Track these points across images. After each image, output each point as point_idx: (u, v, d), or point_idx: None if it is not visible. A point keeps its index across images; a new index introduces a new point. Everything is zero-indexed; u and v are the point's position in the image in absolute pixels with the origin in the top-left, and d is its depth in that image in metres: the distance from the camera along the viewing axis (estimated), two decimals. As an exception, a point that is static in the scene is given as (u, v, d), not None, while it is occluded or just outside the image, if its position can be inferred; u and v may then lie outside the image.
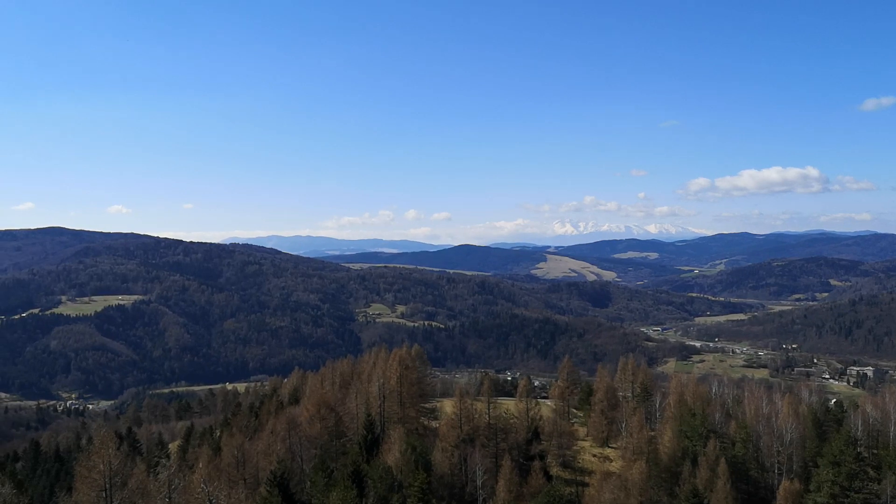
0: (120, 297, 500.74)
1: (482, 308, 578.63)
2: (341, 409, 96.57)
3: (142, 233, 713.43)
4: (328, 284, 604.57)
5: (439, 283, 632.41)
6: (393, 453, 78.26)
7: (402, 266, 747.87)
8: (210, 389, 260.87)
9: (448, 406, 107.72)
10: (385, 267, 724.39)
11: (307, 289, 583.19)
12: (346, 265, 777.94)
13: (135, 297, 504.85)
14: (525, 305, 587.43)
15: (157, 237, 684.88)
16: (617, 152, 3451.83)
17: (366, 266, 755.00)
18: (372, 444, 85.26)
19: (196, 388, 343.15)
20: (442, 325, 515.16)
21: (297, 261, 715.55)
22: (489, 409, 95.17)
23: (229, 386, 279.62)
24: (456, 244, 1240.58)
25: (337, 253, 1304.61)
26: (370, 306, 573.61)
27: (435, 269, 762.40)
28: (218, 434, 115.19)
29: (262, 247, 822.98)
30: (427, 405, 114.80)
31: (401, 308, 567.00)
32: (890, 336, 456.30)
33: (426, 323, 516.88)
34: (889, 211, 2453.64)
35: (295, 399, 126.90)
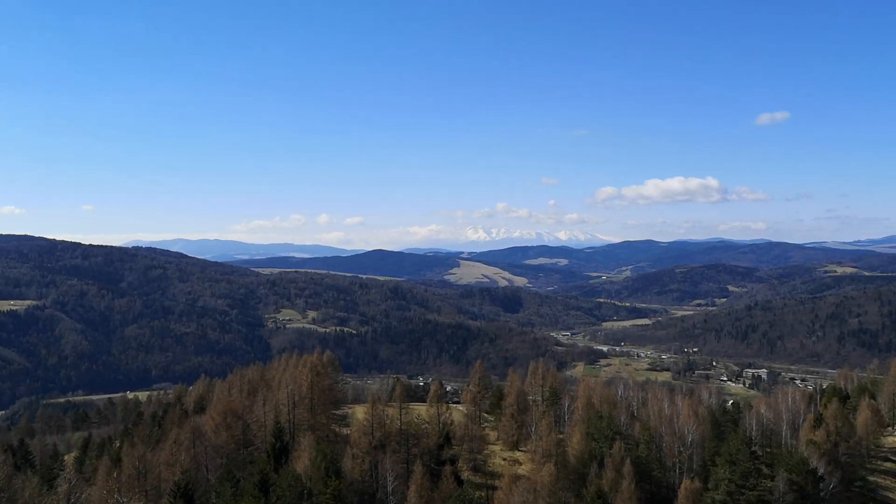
0: (12, 303, 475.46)
1: (395, 313, 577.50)
2: (249, 417, 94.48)
3: (36, 235, 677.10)
4: (237, 289, 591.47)
5: (352, 289, 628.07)
6: (303, 461, 77.05)
7: (313, 271, 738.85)
8: (110, 398, 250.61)
9: (360, 412, 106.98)
10: (296, 272, 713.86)
11: (214, 294, 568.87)
12: (256, 270, 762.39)
13: (28, 302, 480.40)
14: (438, 311, 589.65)
15: (54, 239, 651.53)
16: (528, 160, 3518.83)
17: (276, 271, 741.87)
18: (281, 452, 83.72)
19: (95, 398, 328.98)
20: (354, 331, 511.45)
21: (205, 265, 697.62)
22: (401, 415, 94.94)
23: (130, 395, 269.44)
24: (369, 249, 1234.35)
25: (246, 257, 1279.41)
26: (280, 312, 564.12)
27: (348, 275, 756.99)
28: (118, 445, 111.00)
29: (168, 250, 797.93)
30: (338, 412, 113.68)
31: (312, 314, 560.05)
32: (783, 339, 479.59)
33: (338, 329, 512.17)
34: (782, 220, 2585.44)
35: (201, 407, 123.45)
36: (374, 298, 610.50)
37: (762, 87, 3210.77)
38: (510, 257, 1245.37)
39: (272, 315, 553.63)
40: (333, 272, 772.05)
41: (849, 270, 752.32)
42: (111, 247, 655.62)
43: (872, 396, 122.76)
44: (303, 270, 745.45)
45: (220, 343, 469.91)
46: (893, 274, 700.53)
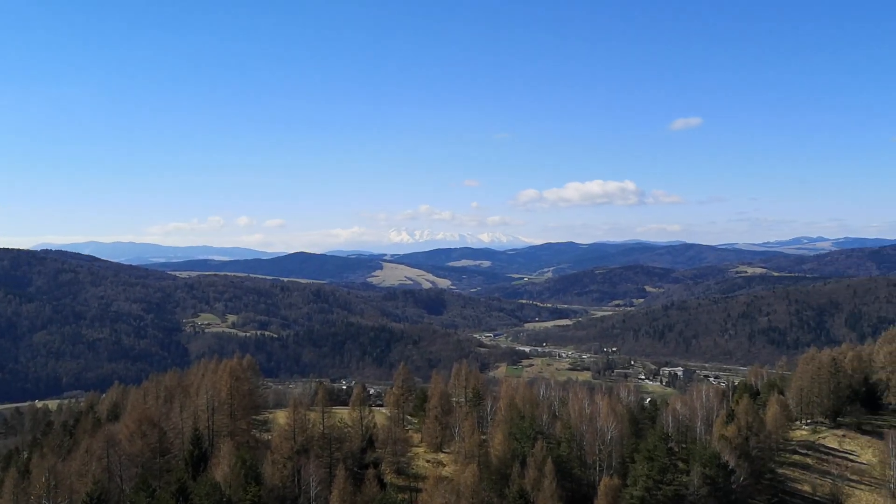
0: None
1: (317, 317, 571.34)
2: (166, 425, 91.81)
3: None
4: (153, 293, 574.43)
5: (273, 292, 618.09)
6: (222, 468, 75.29)
7: (233, 274, 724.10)
8: (17, 408, 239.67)
9: (281, 417, 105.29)
10: (215, 275, 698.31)
11: (129, 298, 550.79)
12: (173, 273, 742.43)
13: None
14: (361, 313, 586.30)
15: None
16: (452, 162, 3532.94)
17: (194, 274, 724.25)
18: (199, 459, 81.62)
19: (1, 407, 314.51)
20: (275, 335, 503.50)
21: (118, 268, 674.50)
22: (324, 419, 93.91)
23: (39, 403, 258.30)
24: (291, 252, 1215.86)
25: (163, 260, 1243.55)
26: (199, 316, 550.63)
27: (268, 277, 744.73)
28: (26, 456, 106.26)
29: (79, 253, 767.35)
30: (259, 417, 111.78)
31: (232, 318, 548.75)
32: (697, 338, 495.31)
33: (259, 332, 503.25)
34: (696, 223, 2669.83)
35: (114, 415, 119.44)
36: (295, 301, 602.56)
37: (676, 93, 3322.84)
38: (433, 259, 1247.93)
39: (190, 319, 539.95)
40: (254, 275, 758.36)
41: (758, 271, 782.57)
42: (18, 250, 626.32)
43: (781, 392, 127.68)
44: (222, 273, 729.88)
45: (134, 349, 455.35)
46: (800, 274, 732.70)
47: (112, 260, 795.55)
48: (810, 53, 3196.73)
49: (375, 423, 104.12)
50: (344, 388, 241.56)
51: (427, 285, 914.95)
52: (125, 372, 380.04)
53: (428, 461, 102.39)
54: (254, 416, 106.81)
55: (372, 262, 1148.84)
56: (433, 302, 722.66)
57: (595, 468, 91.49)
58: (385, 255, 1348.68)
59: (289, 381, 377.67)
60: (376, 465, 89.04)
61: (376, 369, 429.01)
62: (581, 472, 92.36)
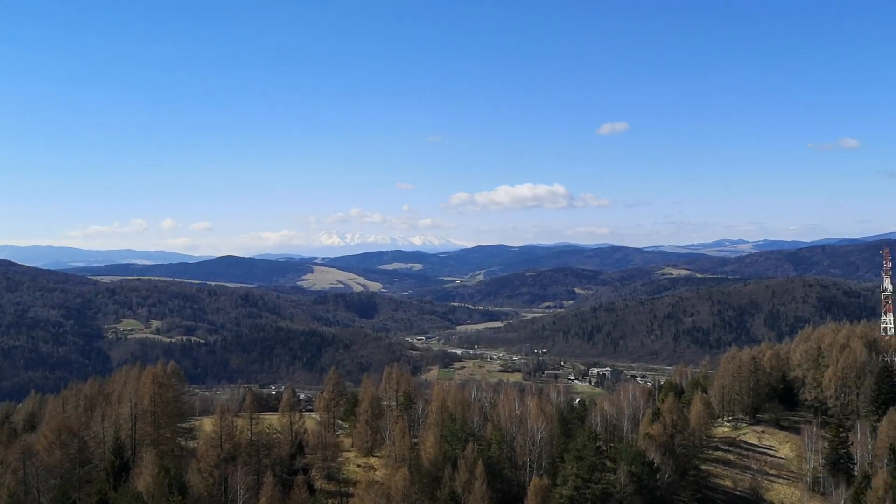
0: None
1: (246, 321, 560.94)
2: (86, 434, 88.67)
3: None
4: (72, 299, 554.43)
5: (199, 296, 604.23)
6: (144, 478, 73.14)
7: (157, 278, 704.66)
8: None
9: (208, 424, 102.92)
10: (138, 279, 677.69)
11: (47, 304, 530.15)
12: (94, 278, 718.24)
13: None
14: (291, 318, 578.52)
15: None
16: (383, 165, 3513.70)
17: (116, 279, 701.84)
18: (121, 469, 79.12)
19: None
20: (202, 340, 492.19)
21: (36, 273, 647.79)
22: (251, 425, 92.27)
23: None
24: (218, 255, 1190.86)
25: (83, 265, 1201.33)
26: (121, 322, 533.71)
27: (195, 282, 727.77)
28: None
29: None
30: (185, 425, 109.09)
31: (156, 323, 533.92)
32: (625, 339, 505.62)
33: (185, 338, 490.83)
34: (623, 226, 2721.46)
35: (31, 426, 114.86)
36: (223, 306, 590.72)
37: (603, 98, 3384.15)
38: (365, 262, 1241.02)
39: (112, 326, 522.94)
40: (179, 279, 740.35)
41: (683, 272, 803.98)
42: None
43: (704, 390, 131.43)
44: (146, 278, 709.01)
45: (53, 356, 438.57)
46: (722, 275, 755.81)
47: (29, 265, 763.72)
48: (731, 60, 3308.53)
49: (305, 429, 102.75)
50: (273, 393, 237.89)
51: (358, 289, 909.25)
52: (43, 380, 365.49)
53: (359, 466, 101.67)
54: (179, 424, 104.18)
55: (302, 265, 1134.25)
56: (364, 305, 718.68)
57: (525, 469, 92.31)
58: (315, 258, 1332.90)
59: (216, 387, 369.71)
60: (306, 470, 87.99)
61: (307, 374, 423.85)
62: (512, 472, 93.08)
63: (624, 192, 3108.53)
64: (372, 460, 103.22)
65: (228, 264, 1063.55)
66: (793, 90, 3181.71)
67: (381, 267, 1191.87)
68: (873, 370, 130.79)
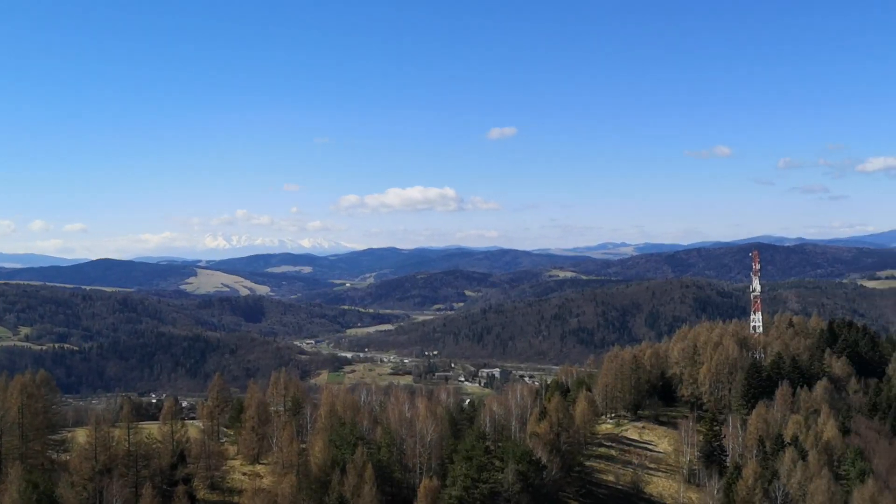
0: None
1: (124, 327, 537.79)
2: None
3: None
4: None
5: (73, 301, 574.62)
6: (10, 494, 68.53)
7: (26, 282, 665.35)
8: None
9: (82, 436, 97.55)
10: (5, 284, 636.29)
11: None
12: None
13: None
14: (173, 323, 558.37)
15: None
16: (270, 166, 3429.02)
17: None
18: (-17, 487, 73.78)
19: None
20: (76, 348, 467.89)
21: None
22: (129, 436, 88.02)
23: None
24: (94, 258, 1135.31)
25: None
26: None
27: (68, 286, 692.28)
28: None
29: None
30: (56, 437, 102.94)
31: (25, 330, 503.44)
32: (514, 340, 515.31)
33: (57, 346, 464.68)
34: (512, 229, 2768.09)
35: None
36: (99, 311, 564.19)
37: (493, 103, 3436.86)
38: (252, 265, 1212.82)
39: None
40: (51, 284, 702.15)
41: (569, 275, 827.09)
42: None
43: (589, 389, 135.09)
44: (13, 282, 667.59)
45: None
46: (606, 277, 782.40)
47: None
48: (614, 68, 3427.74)
49: (188, 438, 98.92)
50: (154, 401, 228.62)
51: (245, 292, 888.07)
52: None
53: (244, 474, 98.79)
54: (49, 437, 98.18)
55: (185, 268, 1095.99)
56: (251, 309, 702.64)
57: (415, 471, 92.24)
58: (200, 261, 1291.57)
59: (91, 396, 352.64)
60: (187, 481, 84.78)
61: (190, 381, 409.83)
62: (402, 475, 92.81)
63: (513, 195, 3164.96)
64: (258, 468, 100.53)
65: (105, 267, 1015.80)
66: (670, 98, 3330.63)
67: (269, 270, 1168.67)
68: (744, 366, 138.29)
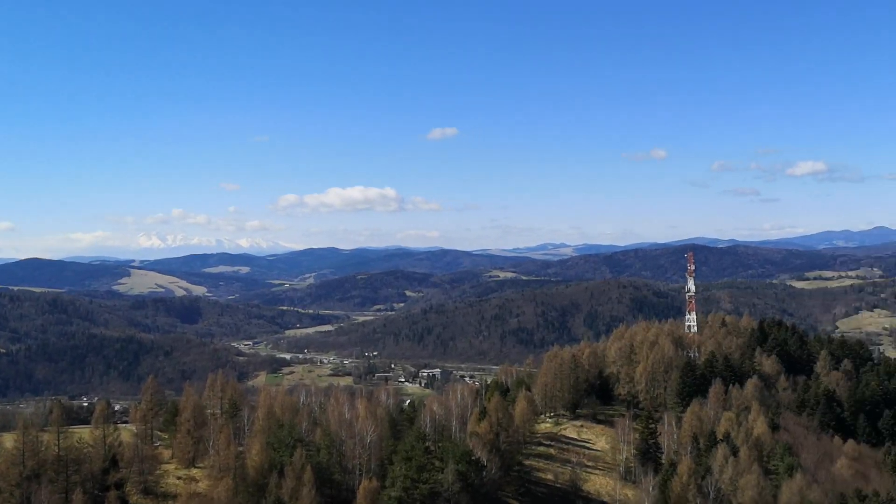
0: None
1: (54, 329, 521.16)
2: None
3: None
4: None
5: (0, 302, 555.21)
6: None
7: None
8: None
9: (8, 441, 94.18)
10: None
11: None
12: None
13: None
14: (105, 324, 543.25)
15: None
16: (207, 164, 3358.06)
17: None
18: None
19: None
20: (3, 350, 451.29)
21: None
22: (59, 440, 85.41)
23: None
24: (21, 258, 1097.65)
25: None
26: None
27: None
28: None
29: None
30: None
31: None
32: (454, 340, 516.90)
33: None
34: (453, 229, 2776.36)
35: None
36: (27, 313, 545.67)
37: (434, 103, 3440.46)
38: (188, 265, 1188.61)
39: None
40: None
41: (509, 275, 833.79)
42: None
43: (528, 388, 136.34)
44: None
45: None
46: (545, 278, 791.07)
47: None
48: (552, 70, 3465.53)
49: (121, 442, 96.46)
50: (85, 405, 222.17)
51: (181, 293, 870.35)
52: None
53: (179, 478, 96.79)
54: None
55: (118, 268, 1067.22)
56: (187, 310, 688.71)
57: (355, 472, 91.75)
58: (133, 261, 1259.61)
59: (19, 400, 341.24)
60: (120, 486, 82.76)
61: (123, 384, 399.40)
62: (341, 476, 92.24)
63: (453, 196, 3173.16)
64: (194, 471, 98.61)
65: (34, 267, 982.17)
66: (608, 101, 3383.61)
67: (206, 270, 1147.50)
68: (679, 365, 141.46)
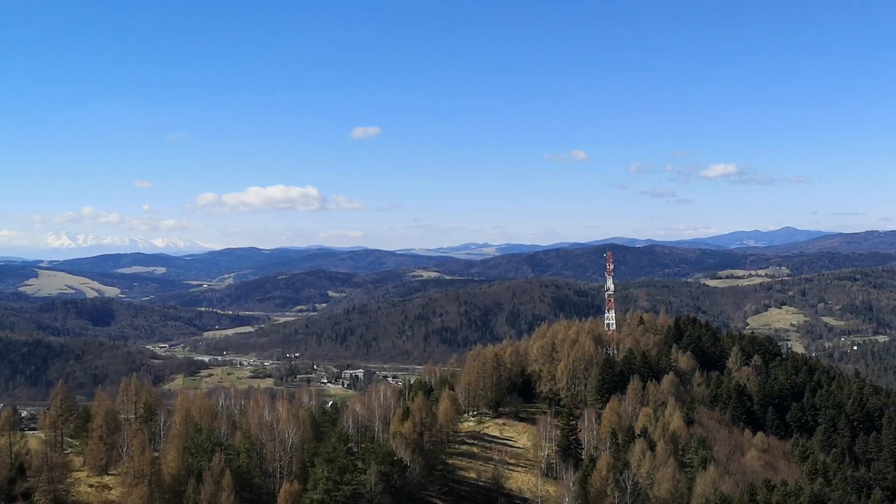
0: None
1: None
2: None
3: None
4: None
5: None
6: None
7: None
8: None
9: None
10: None
11: None
12: None
13: None
14: (11, 327, 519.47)
15: None
16: (119, 161, 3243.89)
17: None
18: None
19: None
20: None
21: None
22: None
23: None
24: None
25: None
26: None
27: None
28: None
29: None
30: None
31: None
32: (378, 340, 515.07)
33: None
34: (376, 229, 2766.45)
35: None
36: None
37: (356, 101, 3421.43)
38: (100, 266, 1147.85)
39: None
40: None
41: (433, 275, 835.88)
42: None
43: (452, 387, 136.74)
44: None
45: None
46: (468, 277, 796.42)
47: None
48: (474, 70, 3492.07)
49: (28, 449, 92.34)
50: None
51: (92, 294, 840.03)
52: None
53: (91, 486, 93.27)
54: None
55: (25, 269, 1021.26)
56: (100, 312, 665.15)
57: (276, 475, 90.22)
58: (41, 261, 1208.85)
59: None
60: (27, 495, 79.53)
61: (30, 389, 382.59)
62: (262, 480, 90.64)
63: (376, 195, 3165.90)
64: (107, 479, 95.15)
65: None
66: (530, 103, 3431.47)
67: (120, 271, 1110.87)
68: (598, 362, 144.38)
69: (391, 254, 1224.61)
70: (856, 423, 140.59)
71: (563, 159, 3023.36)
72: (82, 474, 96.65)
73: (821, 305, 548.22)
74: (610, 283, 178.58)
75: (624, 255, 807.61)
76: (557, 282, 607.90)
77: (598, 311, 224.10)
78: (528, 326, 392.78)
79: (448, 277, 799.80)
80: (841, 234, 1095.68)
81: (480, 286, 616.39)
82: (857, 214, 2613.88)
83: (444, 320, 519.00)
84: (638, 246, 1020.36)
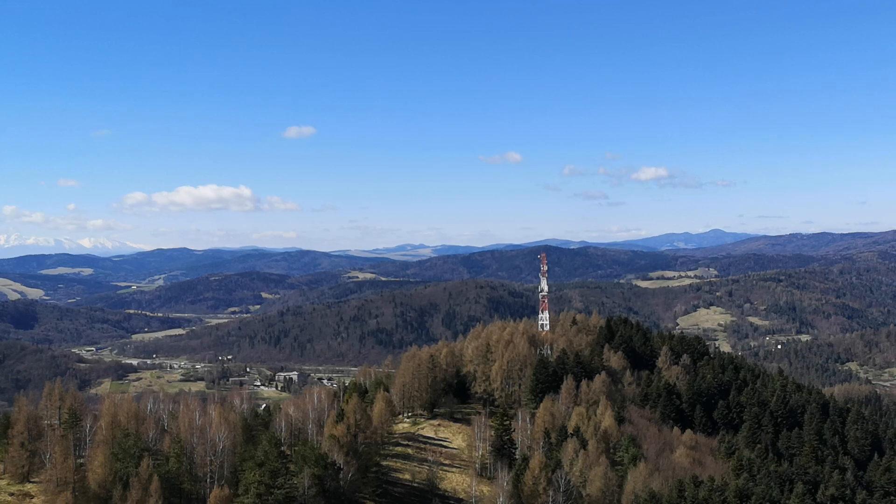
0: None
1: None
2: None
3: None
4: None
5: None
6: None
7: None
8: None
9: None
10: None
11: None
12: None
13: None
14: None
15: None
16: (42, 159, 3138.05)
17: None
18: None
19: None
20: None
21: None
22: None
23: None
24: None
25: None
26: None
27: None
28: None
29: None
30: None
31: None
32: (312, 342, 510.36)
33: None
34: (311, 230, 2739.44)
35: None
36: None
37: (289, 101, 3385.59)
38: (23, 267, 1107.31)
39: None
40: None
41: (369, 276, 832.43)
42: None
43: (387, 389, 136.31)
44: None
45: None
46: (405, 279, 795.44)
47: None
48: (409, 71, 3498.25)
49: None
50: None
51: (14, 296, 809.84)
52: None
53: (12, 494, 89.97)
54: None
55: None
56: (22, 315, 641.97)
57: (206, 480, 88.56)
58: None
59: None
60: (-59, 507, 75.90)
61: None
62: (191, 486, 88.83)
63: (311, 196, 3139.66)
64: (28, 486, 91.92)
65: None
66: (466, 104, 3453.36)
67: (44, 272, 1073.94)
68: (532, 363, 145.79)
69: (326, 255, 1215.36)
70: (779, 420, 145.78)
71: (499, 161, 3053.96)
72: (2, 482, 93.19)
73: (747, 306, 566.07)
74: (544, 285, 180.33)
75: (558, 257, 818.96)
76: (493, 283, 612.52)
77: (533, 312, 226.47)
78: (464, 327, 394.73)
79: (384, 279, 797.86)
80: (766, 237, 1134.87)
81: (416, 287, 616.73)
82: (781, 217, 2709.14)
83: (380, 322, 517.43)
84: (572, 247, 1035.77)
